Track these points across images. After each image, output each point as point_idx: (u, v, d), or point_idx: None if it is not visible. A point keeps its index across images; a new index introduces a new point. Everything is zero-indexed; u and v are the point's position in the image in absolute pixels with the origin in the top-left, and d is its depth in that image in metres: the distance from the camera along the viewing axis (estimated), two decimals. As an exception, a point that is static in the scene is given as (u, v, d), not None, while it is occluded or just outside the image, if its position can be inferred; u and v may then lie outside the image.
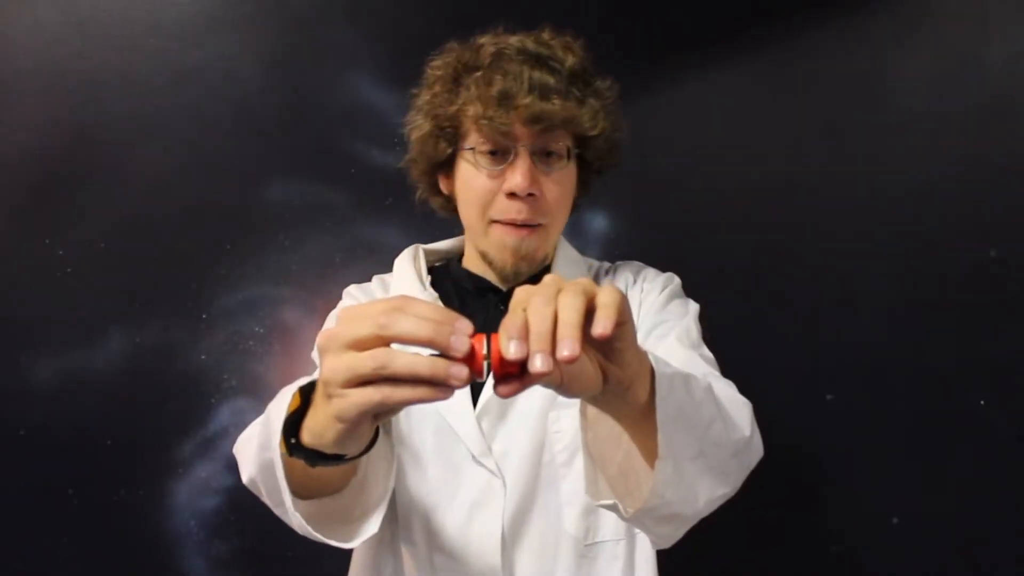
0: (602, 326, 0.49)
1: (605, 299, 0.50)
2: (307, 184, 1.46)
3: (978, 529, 1.40)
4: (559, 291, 0.50)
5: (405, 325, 0.49)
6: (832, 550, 1.42)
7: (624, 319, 0.52)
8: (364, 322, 0.51)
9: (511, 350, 0.48)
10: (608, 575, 0.88)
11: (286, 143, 1.45)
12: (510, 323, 0.49)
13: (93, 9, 1.43)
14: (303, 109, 1.46)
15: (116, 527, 1.39)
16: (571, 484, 0.87)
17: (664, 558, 0.91)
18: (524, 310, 0.49)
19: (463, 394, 0.88)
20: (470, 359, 0.49)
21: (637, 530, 0.89)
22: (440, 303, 0.94)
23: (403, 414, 0.90)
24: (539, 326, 0.48)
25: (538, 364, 0.47)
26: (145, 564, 1.39)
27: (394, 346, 0.51)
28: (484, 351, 0.50)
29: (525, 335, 0.48)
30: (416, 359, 0.49)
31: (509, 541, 0.87)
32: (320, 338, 0.53)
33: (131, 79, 1.43)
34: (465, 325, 0.49)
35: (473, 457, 0.87)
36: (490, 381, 0.88)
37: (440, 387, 0.49)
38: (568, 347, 0.46)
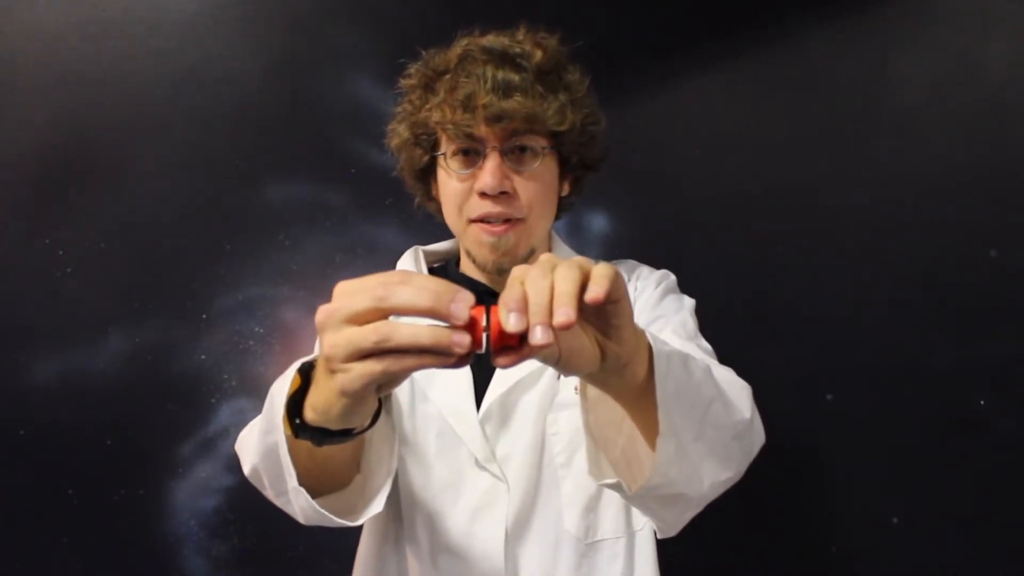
0: (594, 292, 0.49)
1: (599, 272, 0.51)
2: (307, 184, 1.46)
3: (978, 529, 1.40)
4: (555, 266, 0.51)
5: (404, 295, 0.49)
6: (832, 550, 1.42)
7: (619, 296, 0.53)
8: (362, 295, 0.51)
9: (511, 322, 0.48)
10: (609, 573, 0.88)
11: (286, 143, 1.45)
12: (509, 296, 0.49)
13: (93, 9, 1.43)
14: (303, 109, 1.46)
15: (116, 527, 1.39)
16: (571, 484, 0.87)
17: (664, 556, 0.91)
18: (522, 283, 0.50)
19: (466, 398, 0.89)
20: (470, 331, 0.50)
21: (637, 528, 0.90)
22: None
23: (407, 415, 0.90)
24: (537, 298, 0.49)
25: (538, 336, 0.47)
26: (145, 564, 1.39)
27: (393, 318, 0.51)
28: (484, 323, 0.50)
29: (524, 308, 0.48)
30: (418, 328, 0.49)
31: (512, 543, 0.87)
32: (319, 314, 0.53)
33: (131, 79, 1.43)
34: (466, 295, 0.49)
35: (477, 461, 0.88)
36: (494, 384, 0.89)
37: (443, 355, 0.49)
38: (564, 314, 0.47)
